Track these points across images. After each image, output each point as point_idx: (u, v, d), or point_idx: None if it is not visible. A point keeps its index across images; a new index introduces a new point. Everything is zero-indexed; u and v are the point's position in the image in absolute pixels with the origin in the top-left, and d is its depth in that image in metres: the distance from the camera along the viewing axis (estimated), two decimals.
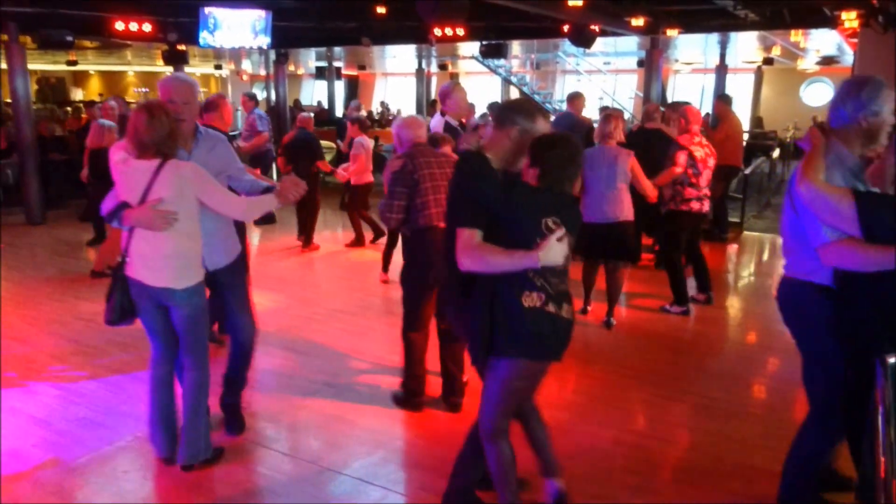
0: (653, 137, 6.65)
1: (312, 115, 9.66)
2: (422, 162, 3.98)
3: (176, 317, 3.37)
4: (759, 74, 21.55)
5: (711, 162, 5.93)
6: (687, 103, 7.54)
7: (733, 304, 6.61)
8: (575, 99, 7.93)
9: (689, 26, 10.77)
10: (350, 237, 8.55)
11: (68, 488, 3.38)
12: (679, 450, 3.85)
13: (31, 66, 10.75)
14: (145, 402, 3.56)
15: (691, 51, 17.02)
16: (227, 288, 3.76)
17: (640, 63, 15.97)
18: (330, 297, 6.52)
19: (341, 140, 10.58)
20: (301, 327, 5.61)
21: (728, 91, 17.04)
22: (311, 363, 4.90)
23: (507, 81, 17.97)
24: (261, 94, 18.41)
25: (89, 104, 10.08)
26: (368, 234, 8.52)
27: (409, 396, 4.23)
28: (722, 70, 17.71)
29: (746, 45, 15.43)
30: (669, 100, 17.03)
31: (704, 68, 20.31)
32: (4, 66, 10.76)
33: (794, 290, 2.89)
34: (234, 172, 3.71)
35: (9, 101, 11.29)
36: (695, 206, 5.87)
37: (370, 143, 8.51)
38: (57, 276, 7.16)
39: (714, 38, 13.49)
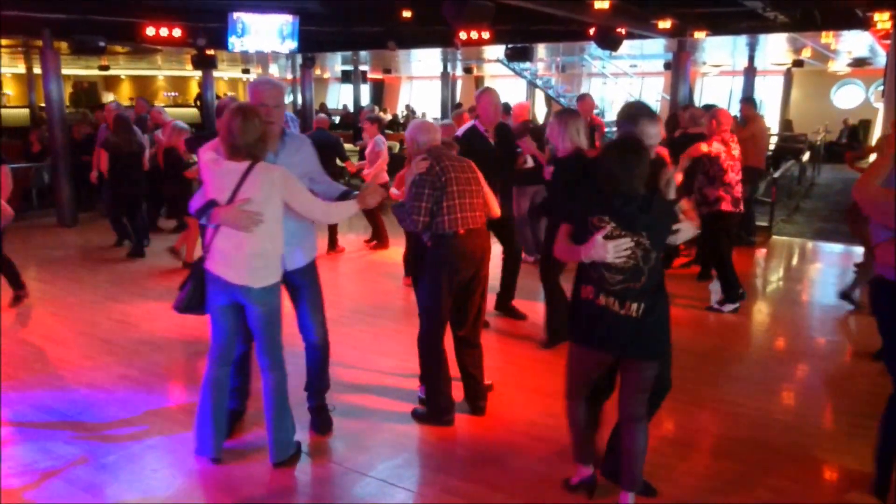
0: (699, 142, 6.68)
1: (337, 118, 9.77)
2: (448, 165, 3.89)
3: (251, 315, 3.43)
4: (788, 77, 21.27)
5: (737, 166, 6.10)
6: (714, 106, 7.53)
7: (761, 310, 6.53)
8: (580, 100, 8.06)
9: (717, 28, 10.66)
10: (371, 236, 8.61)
11: (99, 485, 3.44)
12: (705, 457, 3.81)
13: (64, 72, 10.98)
14: (199, 402, 3.58)
15: (719, 53, 16.83)
16: (301, 288, 3.77)
17: (667, 66, 15.86)
18: (353, 300, 6.55)
19: (359, 140, 10.81)
20: None
21: (757, 94, 16.83)
22: (335, 365, 4.90)
23: (532, 84, 17.94)
24: (287, 98, 18.57)
25: (99, 108, 10.40)
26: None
27: (440, 414, 4.03)
28: (750, 72, 17.52)
29: (776, 48, 15.23)
30: (697, 103, 16.89)
31: (733, 70, 20.11)
32: (39, 70, 11.01)
33: (873, 283, 3.11)
34: (316, 175, 3.73)
35: (43, 105, 11.55)
36: (742, 206, 6.10)
37: (384, 141, 8.55)
38: (88, 277, 7.29)
39: (742, 40, 13.34)
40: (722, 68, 20.62)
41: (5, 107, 20.05)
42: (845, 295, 6.31)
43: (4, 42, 14.11)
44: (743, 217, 8.53)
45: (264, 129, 3.31)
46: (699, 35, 10.54)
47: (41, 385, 4.60)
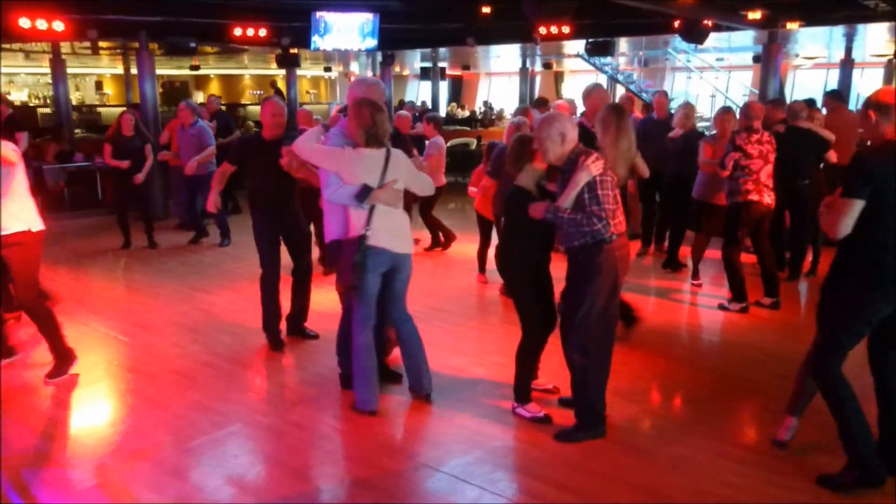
0: (806, 137, 6.64)
1: (412, 114, 9.81)
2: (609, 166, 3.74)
3: (401, 279, 4.10)
4: (889, 69, 20.01)
5: (772, 158, 5.86)
6: (812, 100, 7.31)
7: None
8: (656, 97, 8.22)
9: (812, 18, 10.14)
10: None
11: (183, 468, 3.59)
12: (801, 468, 3.62)
13: (159, 72, 11.52)
14: (354, 366, 4.10)
15: (813, 45, 16.01)
16: None
17: (756, 59, 15.22)
18: (428, 297, 6.57)
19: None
20: None
21: (855, 87, 15.93)
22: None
23: (613, 80, 17.58)
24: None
25: (135, 106, 10.68)
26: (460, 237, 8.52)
27: (598, 424, 3.85)
28: (847, 65, 16.57)
29: (876, 38, 14.34)
30: (788, 98, 16.15)
31: (828, 63, 19.10)
32: (136, 71, 11.58)
33: None
34: None
35: (137, 103, 12.14)
36: (753, 197, 5.77)
37: (444, 143, 8.25)
38: (177, 268, 7.62)
39: (839, 30, 12.62)
40: (816, 61, 19.62)
41: (105, 106, 21.16)
42: None
43: (105, 44, 14.92)
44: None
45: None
46: (792, 26, 10.05)
47: (132, 370, 4.84)
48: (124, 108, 9.22)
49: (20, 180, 4.34)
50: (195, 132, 8.54)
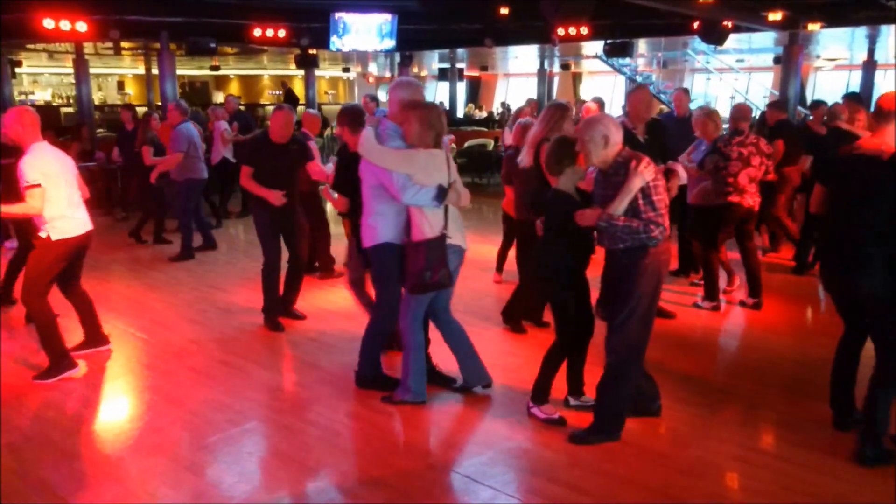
0: (845, 139, 6.53)
1: None
2: None
3: (455, 275, 4.14)
4: None
5: (755, 161, 5.78)
6: (823, 102, 7.24)
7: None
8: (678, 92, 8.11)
9: (833, 19, 10.05)
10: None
11: (200, 464, 3.62)
12: (817, 473, 3.59)
13: (179, 72, 11.63)
14: (412, 362, 4.15)
15: (835, 46, 15.87)
16: None
17: (777, 60, 15.10)
18: None
19: None
20: None
21: (877, 89, 15.75)
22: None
23: (631, 81, 17.52)
24: (385, 97, 18.90)
25: (127, 107, 10.62)
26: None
27: (619, 429, 3.77)
28: (870, 66, 16.41)
29: None
30: (809, 100, 16.00)
31: (850, 64, 18.91)
32: (157, 71, 11.71)
33: None
34: None
35: (159, 104, 12.29)
36: (734, 199, 5.76)
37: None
38: (197, 267, 7.69)
39: (861, 31, 12.50)
40: (838, 62, 19.42)
41: (127, 105, 21.45)
42: None
43: (127, 45, 15.12)
44: None
45: None
46: (813, 27, 9.96)
47: (150, 367, 4.90)
48: (134, 110, 9.26)
49: (55, 195, 4.53)
50: (172, 135, 8.16)
